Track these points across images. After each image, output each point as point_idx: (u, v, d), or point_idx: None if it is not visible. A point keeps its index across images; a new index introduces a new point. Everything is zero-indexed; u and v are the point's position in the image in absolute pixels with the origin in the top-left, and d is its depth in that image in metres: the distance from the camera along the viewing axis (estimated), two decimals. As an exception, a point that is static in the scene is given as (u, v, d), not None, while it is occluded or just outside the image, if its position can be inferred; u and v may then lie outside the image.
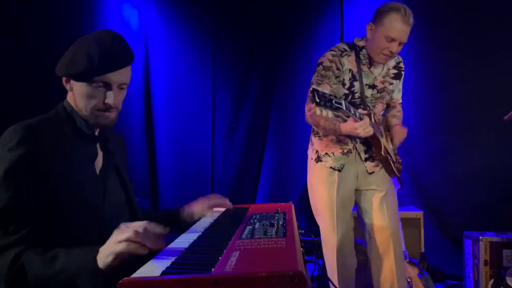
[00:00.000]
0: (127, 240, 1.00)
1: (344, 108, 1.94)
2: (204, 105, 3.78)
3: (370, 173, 2.31)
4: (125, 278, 0.83)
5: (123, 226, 1.05)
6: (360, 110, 2.15)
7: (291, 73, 3.74)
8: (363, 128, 2.04)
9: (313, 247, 1.36)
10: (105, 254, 1.02)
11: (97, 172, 1.30)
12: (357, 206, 2.37)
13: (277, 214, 1.44)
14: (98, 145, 1.34)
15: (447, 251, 3.46)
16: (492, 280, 2.89)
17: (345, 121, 2.14)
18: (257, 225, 1.28)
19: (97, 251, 1.04)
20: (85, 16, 3.30)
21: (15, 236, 1.09)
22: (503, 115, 2.67)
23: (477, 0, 3.49)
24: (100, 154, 1.33)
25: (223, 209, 1.68)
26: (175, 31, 3.77)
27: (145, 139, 3.71)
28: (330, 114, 2.15)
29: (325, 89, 2.14)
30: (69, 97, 1.30)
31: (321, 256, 2.31)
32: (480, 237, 2.94)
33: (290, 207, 1.60)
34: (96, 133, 1.33)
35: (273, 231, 1.18)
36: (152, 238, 1.03)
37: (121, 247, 1.00)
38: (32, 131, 1.16)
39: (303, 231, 1.40)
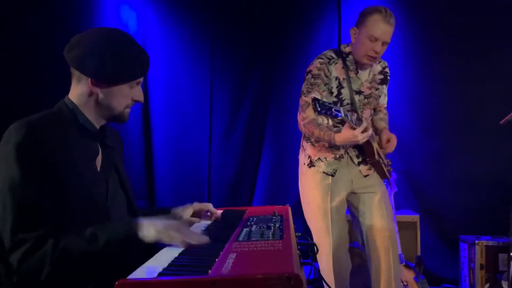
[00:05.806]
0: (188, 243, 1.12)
1: (343, 115, 1.97)
2: (201, 107, 3.78)
3: (365, 176, 2.32)
4: (122, 279, 0.83)
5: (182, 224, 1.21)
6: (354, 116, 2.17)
7: (289, 75, 3.74)
8: (362, 133, 2.04)
9: (309, 249, 1.36)
10: (155, 235, 1.14)
11: (98, 170, 1.30)
12: (353, 209, 2.37)
13: (274, 217, 1.44)
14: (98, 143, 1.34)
15: (443, 254, 3.47)
16: (487, 284, 2.89)
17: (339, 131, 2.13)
18: (254, 228, 1.28)
19: (139, 222, 1.16)
20: (83, 18, 3.30)
21: (40, 231, 1.08)
22: (500, 118, 2.68)
23: (473, 2, 3.51)
24: (100, 151, 1.33)
25: (212, 217, 1.64)
26: (173, 33, 3.77)
27: (142, 141, 3.70)
28: (330, 121, 2.18)
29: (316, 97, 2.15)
30: (73, 94, 1.29)
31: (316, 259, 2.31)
32: (476, 241, 2.95)
33: (287, 209, 1.61)
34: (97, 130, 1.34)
35: (270, 233, 1.18)
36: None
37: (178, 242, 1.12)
38: (35, 128, 1.15)
39: (299, 234, 1.40)
